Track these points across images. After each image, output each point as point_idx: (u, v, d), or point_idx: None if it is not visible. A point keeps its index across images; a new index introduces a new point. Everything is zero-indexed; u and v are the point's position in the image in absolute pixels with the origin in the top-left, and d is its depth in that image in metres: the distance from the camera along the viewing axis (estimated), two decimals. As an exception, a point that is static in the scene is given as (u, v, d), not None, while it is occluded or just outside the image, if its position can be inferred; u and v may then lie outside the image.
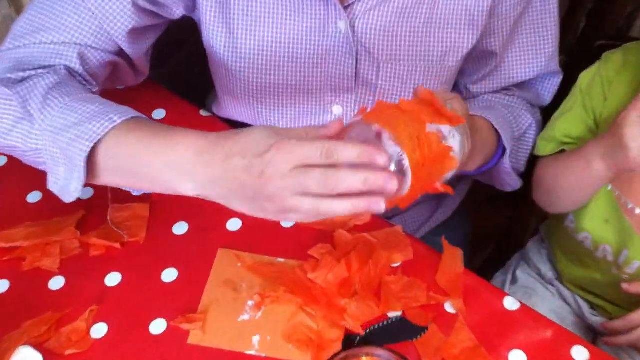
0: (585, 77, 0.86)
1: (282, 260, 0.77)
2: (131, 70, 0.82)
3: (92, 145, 0.62)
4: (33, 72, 0.70)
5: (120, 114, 0.64)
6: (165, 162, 0.60)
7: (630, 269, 0.84)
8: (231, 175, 0.56)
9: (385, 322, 0.68)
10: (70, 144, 0.63)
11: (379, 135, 0.55)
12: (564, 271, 0.95)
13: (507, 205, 1.20)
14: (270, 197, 0.54)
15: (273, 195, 0.54)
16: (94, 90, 0.76)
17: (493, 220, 1.22)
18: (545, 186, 0.87)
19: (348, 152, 0.52)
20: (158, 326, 0.72)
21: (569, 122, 0.86)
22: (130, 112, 0.65)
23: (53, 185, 0.68)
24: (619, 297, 0.88)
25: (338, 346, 0.68)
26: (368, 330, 0.67)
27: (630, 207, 0.82)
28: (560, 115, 0.87)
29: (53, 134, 0.65)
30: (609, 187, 0.83)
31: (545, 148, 0.86)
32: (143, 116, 0.66)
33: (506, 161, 0.81)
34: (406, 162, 0.55)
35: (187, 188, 0.60)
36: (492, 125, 0.79)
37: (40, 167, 0.70)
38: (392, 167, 0.55)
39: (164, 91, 0.96)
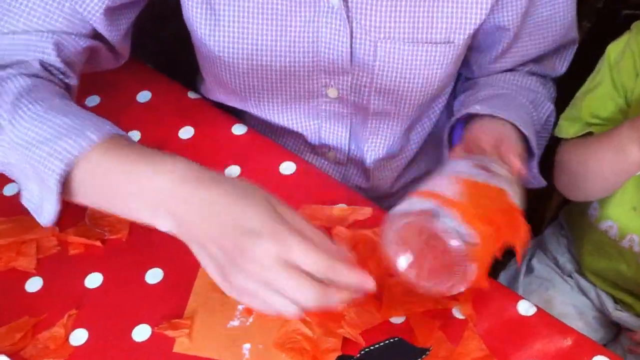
0: (613, 50, 0.78)
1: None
2: (110, 54, 0.75)
3: (65, 167, 0.55)
4: (4, 73, 0.63)
5: (97, 130, 0.56)
6: (142, 190, 0.54)
7: None
8: (207, 226, 0.51)
9: (382, 343, 0.62)
10: (42, 162, 0.56)
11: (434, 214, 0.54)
12: (585, 262, 0.88)
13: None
14: (240, 284, 0.50)
15: (244, 282, 0.50)
16: (72, 82, 0.69)
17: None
18: (570, 172, 0.80)
19: (346, 277, 0.50)
20: (142, 333, 0.66)
21: (596, 101, 0.78)
22: (109, 128, 0.58)
23: (27, 202, 0.61)
24: None
25: (334, 357, 0.62)
26: (363, 352, 0.61)
27: None
28: (587, 93, 0.79)
29: (23, 149, 0.58)
30: (639, 172, 0.76)
31: (568, 130, 0.79)
32: (122, 132, 0.59)
33: (534, 165, 0.74)
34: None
35: (162, 224, 0.54)
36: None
37: (13, 178, 0.62)
38: (455, 243, 0.53)
39: (149, 71, 0.89)
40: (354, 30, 0.73)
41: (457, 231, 0.54)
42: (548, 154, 0.86)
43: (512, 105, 0.74)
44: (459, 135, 0.76)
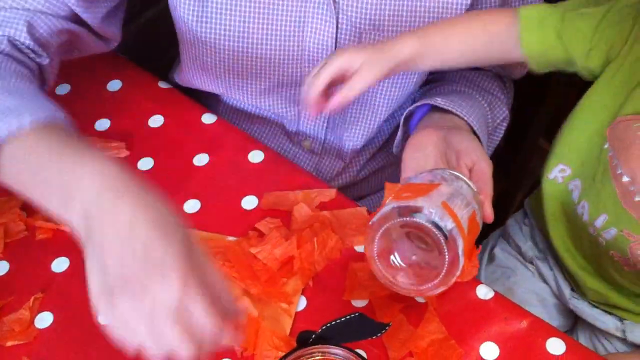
0: None
1: (232, 238, 0.72)
2: (97, 38, 0.75)
3: None
4: None
5: (33, 114, 0.54)
6: (64, 183, 0.50)
7: (608, 234, 0.78)
8: (118, 242, 0.46)
9: (343, 318, 0.63)
10: None
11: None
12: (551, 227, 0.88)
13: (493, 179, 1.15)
14: (123, 310, 0.46)
15: (129, 311, 0.46)
16: (44, 62, 0.69)
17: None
18: None
19: (224, 341, 0.48)
20: (107, 316, 0.67)
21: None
22: (48, 114, 0.55)
23: None
24: (598, 267, 0.83)
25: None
26: (324, 327, 0.62)
27: (619, 172, 0.76)
28: None
29: None
30: (606, 145, 0.77)
31: None
32: (62, 120, 0.56)
33: None
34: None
35: (74, 218, 0.49)
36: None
37: None
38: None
39: (120, 59, 0.89)
40: (339, 20, 0.74)
41: (438, 223, 0.54)
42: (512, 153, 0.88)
43: (471, 105, 0.76)
44: (417, 120, 0.78)
